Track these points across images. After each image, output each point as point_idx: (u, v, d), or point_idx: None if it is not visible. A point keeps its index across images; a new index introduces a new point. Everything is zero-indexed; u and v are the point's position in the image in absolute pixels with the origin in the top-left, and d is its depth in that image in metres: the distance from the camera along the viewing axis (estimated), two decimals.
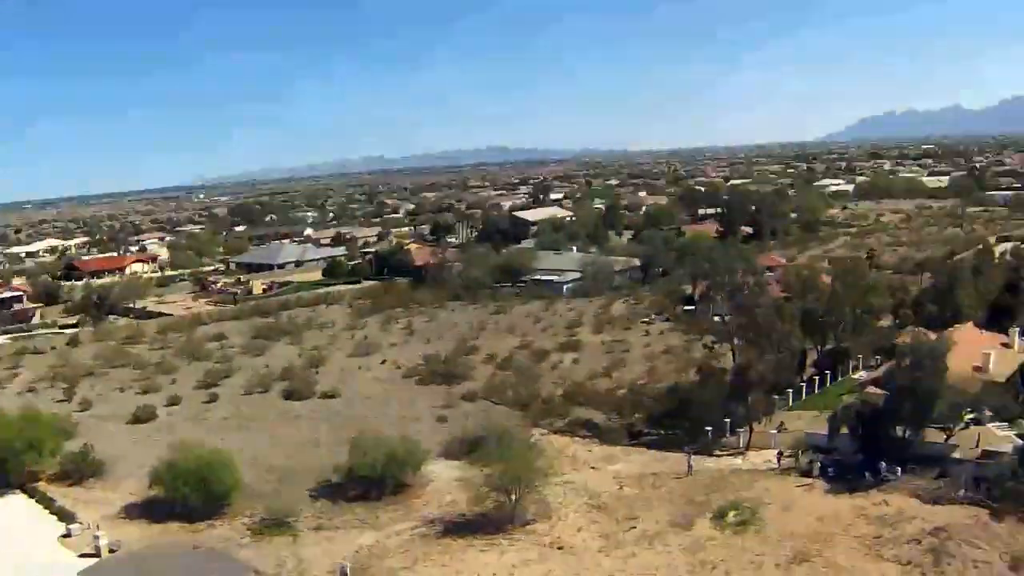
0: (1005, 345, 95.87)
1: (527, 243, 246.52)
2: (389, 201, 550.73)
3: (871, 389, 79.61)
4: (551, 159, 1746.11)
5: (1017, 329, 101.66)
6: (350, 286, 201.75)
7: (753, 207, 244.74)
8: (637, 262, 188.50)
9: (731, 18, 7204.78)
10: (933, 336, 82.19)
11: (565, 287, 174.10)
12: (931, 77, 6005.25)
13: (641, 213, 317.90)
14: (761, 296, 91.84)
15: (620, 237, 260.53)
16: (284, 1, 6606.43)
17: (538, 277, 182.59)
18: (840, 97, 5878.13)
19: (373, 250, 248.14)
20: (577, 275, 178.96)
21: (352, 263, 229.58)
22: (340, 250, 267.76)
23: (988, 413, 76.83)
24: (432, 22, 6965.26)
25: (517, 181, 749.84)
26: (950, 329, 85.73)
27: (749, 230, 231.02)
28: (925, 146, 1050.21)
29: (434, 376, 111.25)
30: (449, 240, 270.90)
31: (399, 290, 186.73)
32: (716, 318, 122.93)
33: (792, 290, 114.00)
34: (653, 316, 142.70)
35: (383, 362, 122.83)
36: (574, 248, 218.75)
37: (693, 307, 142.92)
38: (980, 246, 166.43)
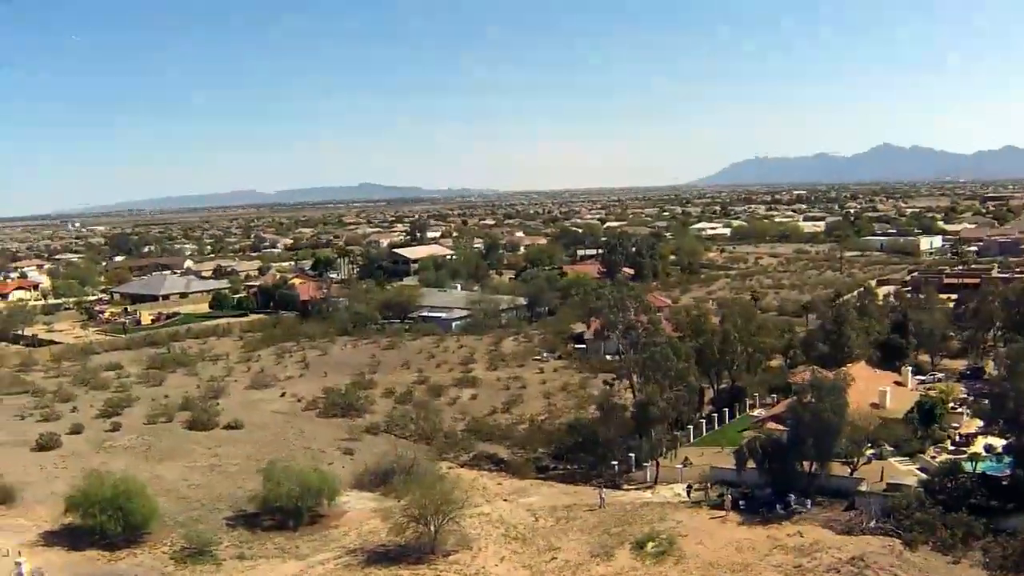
0: (898, 383, 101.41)
1: (409, 280, 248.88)
2: (266, 235, 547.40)
3: (772, 425, 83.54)
4: (425, 197, 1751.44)
5: (909, 368, 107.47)
6: (238, 319, 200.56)
7: (633, 249, 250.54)
8: (523, 301, 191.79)
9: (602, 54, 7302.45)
10: (826, 373, 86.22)
11: (453, 324, 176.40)
12: (801, 125, 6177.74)
13: (520, 252, 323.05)
14: (656, 334, 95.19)
15: (501, 276, 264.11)
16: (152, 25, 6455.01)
17: (426, 314, 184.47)
18: (712, 143, 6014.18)
19: (258, 283, 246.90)
20: (464, 312, 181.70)
21: (237, 296, 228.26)
22: (224, 283, 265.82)
23: (889, 448, 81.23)
24: (311, 66, 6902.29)
25: (393, 218, 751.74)
26: (844, 368, 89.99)
27: (630, 271, 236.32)
28: (797, 191, 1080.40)
29: (335, 409, 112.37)
30: (331, 275, 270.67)
31: (287, 324, 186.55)
32: (609, 356, 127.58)
33: (683, 329, 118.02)
34: (545, 354, 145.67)
35: (283, 394, 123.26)
36: (458, 286, 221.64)
37: (584, 345, 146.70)
38: (862, 288, 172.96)
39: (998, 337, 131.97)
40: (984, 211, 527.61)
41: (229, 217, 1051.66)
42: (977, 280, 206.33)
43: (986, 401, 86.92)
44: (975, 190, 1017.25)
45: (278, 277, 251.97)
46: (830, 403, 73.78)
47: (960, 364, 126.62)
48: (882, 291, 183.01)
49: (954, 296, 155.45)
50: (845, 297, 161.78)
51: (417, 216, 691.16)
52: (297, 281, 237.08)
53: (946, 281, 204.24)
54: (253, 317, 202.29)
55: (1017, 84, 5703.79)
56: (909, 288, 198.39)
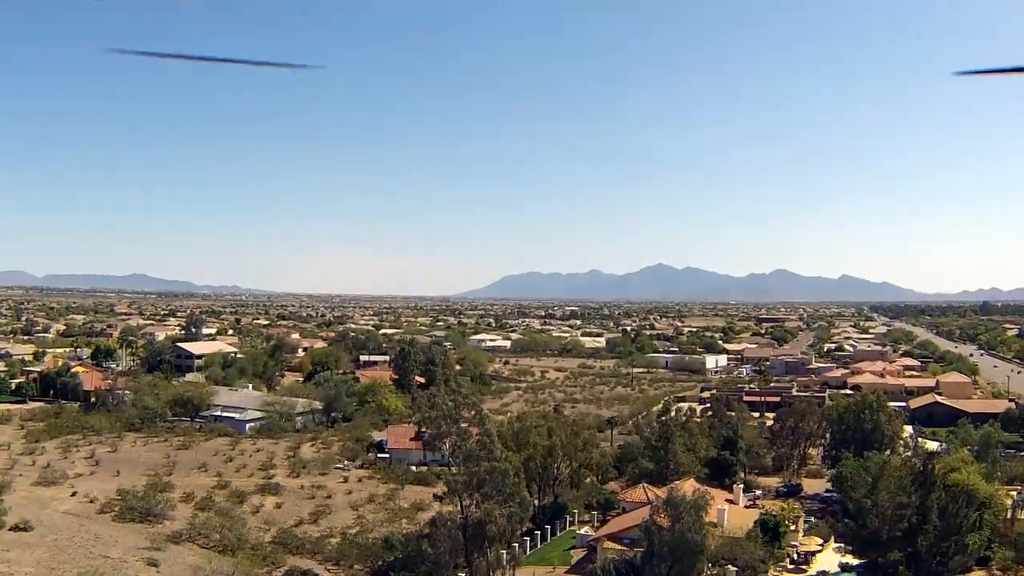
0: (730, 501, 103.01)
1: (193, 375, 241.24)
2: (38, 319, 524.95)
3: (609, 544, 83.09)
4: (196, 291, 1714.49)
5: (741, 486, 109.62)
6: (16, 406, 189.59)
7: (424, 356, 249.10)
8: (319, 405, 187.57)
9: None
10: (658, 491, 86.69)
11: (248, 425, 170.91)
12: (574, 243, 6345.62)
13: (302, 354, 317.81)
14: (491, 447, 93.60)
15: (284, 377, 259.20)
16: None
17: (218, 413, 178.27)
18: (484, 256, 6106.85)
19: (40, 369, 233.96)
20: (259, 414, 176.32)
21: (15, 381, 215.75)
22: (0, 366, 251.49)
23: (732, 568, 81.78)
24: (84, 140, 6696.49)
25: (165, 311, 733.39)
26: (673, 484, 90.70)
27: (422, 379, 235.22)
28: (569, 307, 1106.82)
29: (132, 513, 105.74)
30: (111, 366, 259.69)
31: (72, 415, 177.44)
32: (414, 467, 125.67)
33: (506, 441, 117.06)
34: (346, 462, 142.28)
35: (74, 493, 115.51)
36: (249, 385, 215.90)
37: (387, 455, 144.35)
38: (662, 405, 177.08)
39: (825, 455, 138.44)
40: (762, 332, 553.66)
41: None
42: (778, 397, 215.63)
43: (843, 520, 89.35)
44: (748, 311, 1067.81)
45: (61, 364, 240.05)
46: (690, 522, 73.57)
47: (775, 481, 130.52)
48: (681, 407, 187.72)
49: (756, 414, 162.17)
50: (643, 413, 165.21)
51: (190, 311, 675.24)
52: (81, 369, 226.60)
53: (746, 398, 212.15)
54: (33, 405, 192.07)
55: (788, 212, 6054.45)
56: (709, 405, 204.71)
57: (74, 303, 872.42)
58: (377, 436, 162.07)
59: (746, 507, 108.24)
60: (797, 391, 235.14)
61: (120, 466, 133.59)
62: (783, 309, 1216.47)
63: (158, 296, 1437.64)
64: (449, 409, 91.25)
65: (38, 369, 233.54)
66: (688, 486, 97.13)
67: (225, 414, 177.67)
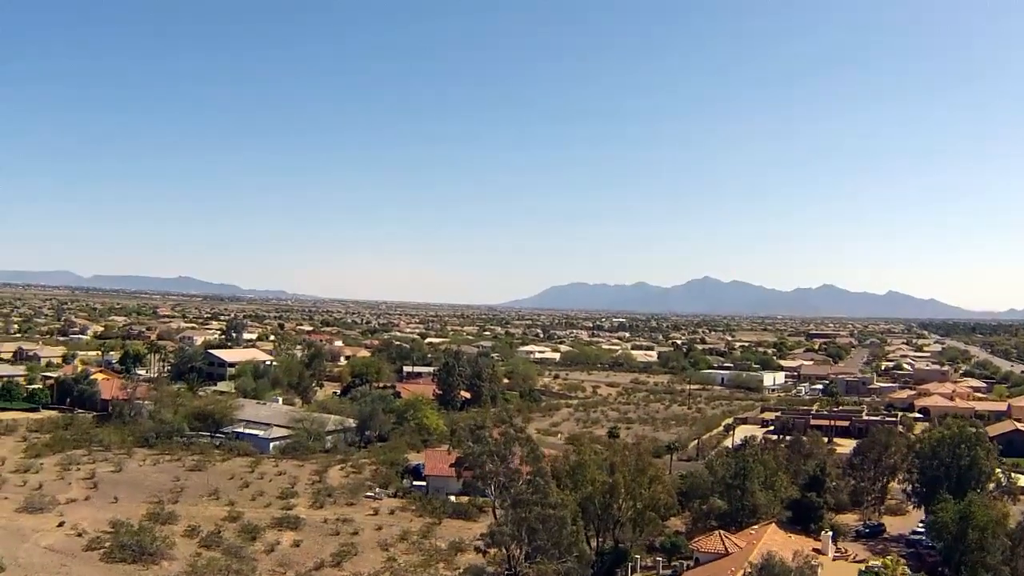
0: (816, 550, 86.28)
1: (224, 385, 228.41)
2: (77, 320, 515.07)
3: None
4: (241, 295, 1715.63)
5: (830, 533, 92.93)
6: (27, 414, 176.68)
7: (470, 370, 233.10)
8: (352, 422, 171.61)
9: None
10: (737, 540, 71.20)
11: (272, 444, 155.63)
12: (623, 254, 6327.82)
13: (343, 364, 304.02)
14: (545, 492, 76.72)
15: (323, 388, 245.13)
16: None
17: (240, 430, 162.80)
18: (532, 266, 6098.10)
19: (57, 375, 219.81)
20: (285, 432, 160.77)
21: (31, 387, 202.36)
22: (20, 368, 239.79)
23: None
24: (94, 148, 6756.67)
25: (208, 315, 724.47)
26: (751, 530, 74.52)
27: (467, 395, 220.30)
28: (616, 319, 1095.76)
29: (124, 552, 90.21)
30: (138, 372, 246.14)
31: (82, 426, 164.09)
32: (454, 497, 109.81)
33: (560, 478, 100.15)
34: (378, 489, 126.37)
35: (61, 523, 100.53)
36: (279, 399, 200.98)
37: (424, 483, 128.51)
38: (723, 427, 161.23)
39: (911, 492, 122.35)
40: (815, 348, 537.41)
41: (44, 296, 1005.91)
42: (848, 422, 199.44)
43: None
44: (796, 326, 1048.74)
45: (80, 369, 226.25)
46: None
47: (852, 519, 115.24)
48: (742, 431, 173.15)
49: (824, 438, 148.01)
50: (703, 436, 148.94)
51: (233, 315, 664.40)
52: (100, 376, 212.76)
53: (813, 422, 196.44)
54: (45, 414, 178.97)
55: (835, 226, 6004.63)
56: (774, 429, 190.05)
57: (117, 304, 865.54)
58: (414, 459, 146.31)
59: (834, 558, 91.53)
60: (867, 415, 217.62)
61: (121, 490, 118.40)
62: (832, 324, 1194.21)
63: (203, 299, 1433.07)
64: (496, 445, 74.54)
65: (57, 375, 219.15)
66: (770, 534, 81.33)
67: (248, 431, 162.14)
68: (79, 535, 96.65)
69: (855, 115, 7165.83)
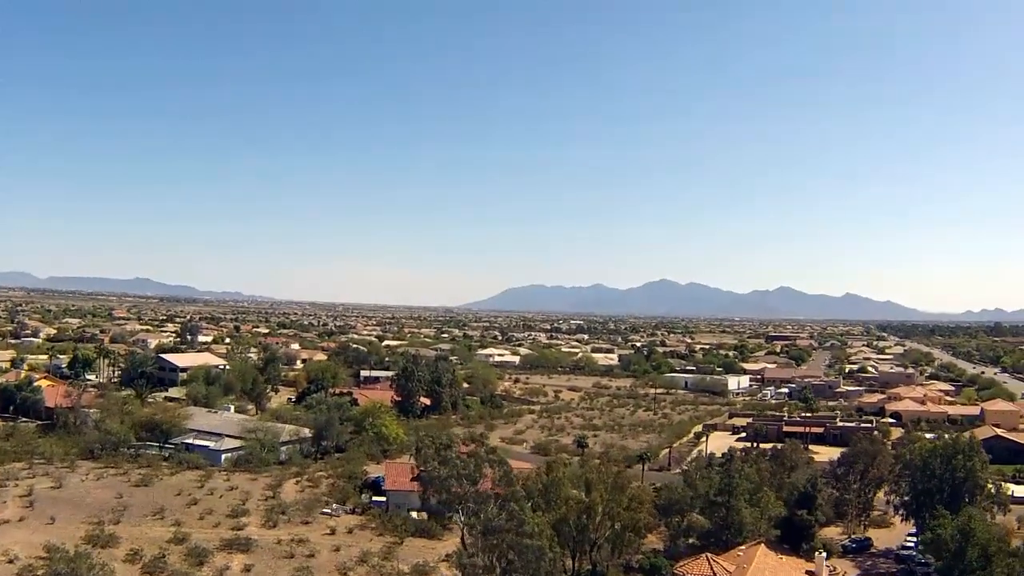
0: (810, 573, 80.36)
1: (176, 391, 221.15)
2: (30, 322, 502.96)
3: None
4: (198, 297, 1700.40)
5: (824, 555, 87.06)
6: None
7: (429, 375, 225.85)
8: (308, 432, 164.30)
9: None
10: (725, 564, 65.31)
11: (223, 455, 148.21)
12: (578, 257, 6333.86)
13: (299, 368, 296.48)
14: (520, 516, 70.12)
15: (278, 393, 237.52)
16: None
17: (190, 441, 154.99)
18: (490, 269, 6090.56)
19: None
20: (237, 443, 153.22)
21: None
22: None
23: None
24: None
25: (164, 317, 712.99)
26: (739, 551, 68.57)
27: (427, 401, 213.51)
28: (574, 320, 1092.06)
29: None
30: (88, 378, 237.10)
31: (24, 436, 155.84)
32: (415, 514, 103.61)
33: (532, 497, 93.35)
34: (335, 505, 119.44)
35: None
36: (231, 407, 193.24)
37: (384, 498, 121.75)
38: (694, 434, 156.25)
39: (899, 504, 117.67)
40: (776, 350, 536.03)
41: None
42: (822, 428, 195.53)
43: None
44: (754, 328, 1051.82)
45: (23, 376, 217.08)
46: None
47: (835, 532, 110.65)
48: (713, 439, 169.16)
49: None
50: (673, 445, 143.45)
51: (189, 317, 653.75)
52: (45, 383, 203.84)
53: (786, 428, 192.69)
54: None
55: (796, 227, 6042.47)
56: (746, 436, 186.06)
57: (73, 306, 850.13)
58: (373, 472, 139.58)
59: None
60: (841, 420, 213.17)
61: (60, 509, 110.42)
62: (790, 326, 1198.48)
63: (160, 300, 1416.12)
64: (465, 466, 67.99)
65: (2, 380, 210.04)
66: (760, 556, 75.43)
67: (199, 442, 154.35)
68: (10, 562, 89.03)
69: (811, 120, 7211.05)
